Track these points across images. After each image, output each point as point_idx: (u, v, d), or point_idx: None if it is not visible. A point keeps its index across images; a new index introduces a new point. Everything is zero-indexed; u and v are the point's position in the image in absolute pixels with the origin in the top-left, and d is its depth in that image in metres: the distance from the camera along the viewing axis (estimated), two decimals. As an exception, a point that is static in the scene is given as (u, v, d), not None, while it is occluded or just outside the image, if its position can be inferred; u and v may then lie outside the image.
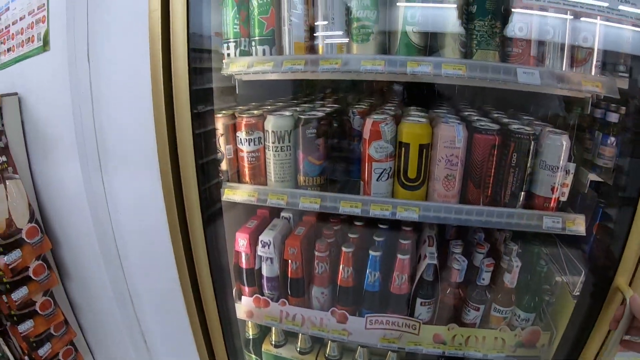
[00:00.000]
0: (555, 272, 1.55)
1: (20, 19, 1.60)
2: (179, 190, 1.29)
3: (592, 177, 1.36)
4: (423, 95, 1.64)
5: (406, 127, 1.20)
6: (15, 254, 1.49)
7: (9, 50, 1.69)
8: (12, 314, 1.55)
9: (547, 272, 1.44)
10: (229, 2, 1.34)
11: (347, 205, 1.27)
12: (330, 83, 1.90)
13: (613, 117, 1.32)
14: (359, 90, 1.84)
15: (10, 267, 1.47)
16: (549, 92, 1.20)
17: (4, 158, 1.51)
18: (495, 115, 1.41)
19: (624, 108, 1.32)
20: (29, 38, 1.56)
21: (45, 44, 1.49)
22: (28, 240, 1.53)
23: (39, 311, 1.62)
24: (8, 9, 1.67)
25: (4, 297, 1.51)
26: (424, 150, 1.20)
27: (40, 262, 1.58)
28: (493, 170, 1.22)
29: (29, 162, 1.66)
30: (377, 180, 1.24)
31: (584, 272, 1.36)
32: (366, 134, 1.22)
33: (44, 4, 1.49)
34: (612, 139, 1.32)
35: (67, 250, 1.71)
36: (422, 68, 1.15)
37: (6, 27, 1.69)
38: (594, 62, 1.19)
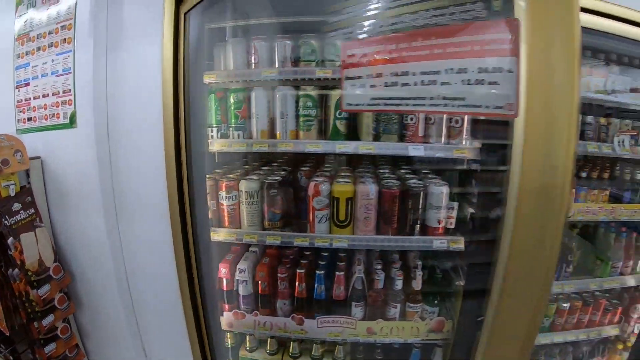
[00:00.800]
0: (455, 277, 2.14)
1: (44, 96, 2.04)
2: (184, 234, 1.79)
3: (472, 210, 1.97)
4: (351, 159, 2.23)
5: (337, 186, 1.76)
6: (46, 288, 1.89)
7: (29, 119, 2.11)
8: (40, 338, 1.92)
9: (445, 278, 2.02)
10: (213, 98, 1.87)
11: (299, 240, 1.79)
12: (286, 153, 2.45)
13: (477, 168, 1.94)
14: (306, 158, 2.38)
15: (42, 298, 1.86)
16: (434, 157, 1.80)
17: (32, 210, 1.93)
18: (403, 170, 2.00)
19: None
20: (54, 114, 2.01)
21: (72, 122, 1.94)
22: (54, 277, 1.93)
23: (60, 335, 2.00)
24: (28, 84, 2.10)
25: (35, 323, 1.89)
26: (349, 201, 1.76)
27: (62, 294, 1.98)
28: (397, 212, 1.79)
29: (49, 213, 2.08)
30: (318, 222, 1.78)
31: (463, 277, 1.94)
32: (310, 192, 1.76)
33: (70, 89, 1.95)
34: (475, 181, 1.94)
35: (81, 284, 2.11)
36: (345, 149, 1.72)
37: (26, 100, 2.11)
38: (464, 136, 1.81)
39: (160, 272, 1.90)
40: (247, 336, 2.12)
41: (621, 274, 2.21)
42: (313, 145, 1.73)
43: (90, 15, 1.88)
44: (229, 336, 2.17)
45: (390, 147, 1.74)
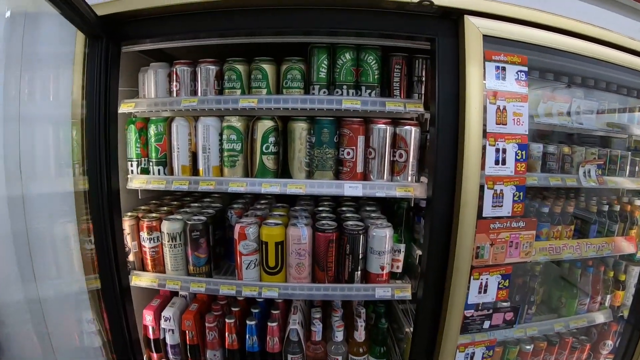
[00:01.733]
0: (404, 323, 1.92)
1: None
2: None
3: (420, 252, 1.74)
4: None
5: (265, 230, 1.53)
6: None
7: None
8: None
9: (393, 324, 1.80)
10: (132, 128, 1.64)
11: (225, 288, 1.57)
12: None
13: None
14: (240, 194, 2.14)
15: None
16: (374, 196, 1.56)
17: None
18: (345, 208, 1.77)
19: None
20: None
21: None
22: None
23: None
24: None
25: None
26: (279, 246, 1.53)
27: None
28: (333, 257, 1.56)
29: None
30: (246, 268, 1.56)
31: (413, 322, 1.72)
32: (236, 235, 1.53)
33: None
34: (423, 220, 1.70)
35: None
36: (272, 188, 1.49)
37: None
38: (410, 172, 1.58)
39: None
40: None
41: (589, 310, 1.99)
42: (236, 184, 1.50)
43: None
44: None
45: (323, 185, 1.51)
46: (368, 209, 1.77)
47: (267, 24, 1.41)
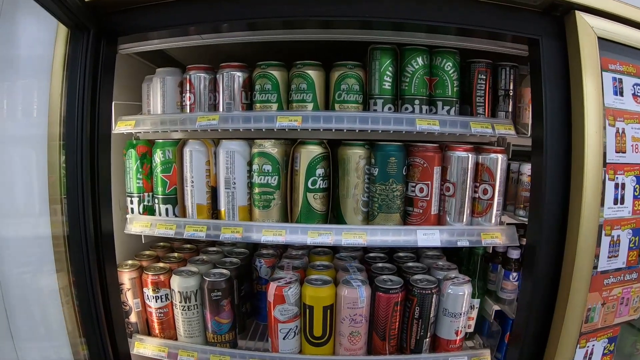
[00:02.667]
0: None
1: None
2: None
3: (497, 307, 1.35)
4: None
5: (310, 290, 1.12)
6: None
7: None
8: None
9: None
10: (133, 154, 1.22)
11: (256, 364, 1.18)
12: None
13: (514, 254, 1.31)
14: None
15: None
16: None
17: None
18: (401, 253, 1.37)
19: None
20: None
21: None
22: None
23: None
24: None
25: None
26: (328, 310, 1.13)
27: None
28: (397, 324, 1.17)
29: None
30: (283, 339, 1.16)
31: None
32: (270, 297, 1.13)
33: None
34: (514, 274, 1.31)
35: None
36: (322, 238, 1.09)
37: None
38: (494, 212, 1.18)
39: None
40: None
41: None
42: (272, 231, 1.09)
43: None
44: None
45: (389, 232, 1.11)
46: (430, 253, 1.37)
47: (312, 10, 0.99)
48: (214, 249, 1.37)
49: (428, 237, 1.11)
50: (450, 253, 1.40)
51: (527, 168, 1.24)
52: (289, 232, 1.09)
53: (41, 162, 1.17)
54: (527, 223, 1.21)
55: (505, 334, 1.47)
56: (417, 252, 1.38)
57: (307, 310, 1.13)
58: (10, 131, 1.24)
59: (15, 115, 1.25)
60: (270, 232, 1.09)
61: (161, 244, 1.42)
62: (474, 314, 1.30)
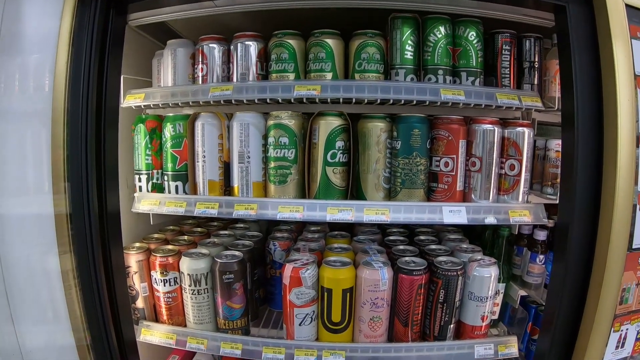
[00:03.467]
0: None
1: None
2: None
3: (523, 292, 1.25)
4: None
5: (328, 272, 1.03)
6: None
7: None
8: None
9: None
10: (141, 129, 1.14)
11: (270, 351, 1.07)
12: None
13: (541, 235, 1.22)
14: None
15: None
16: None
17: None
18: (422, 237, 1.27)
19: (551, 221, 1.24)
20: None
21: None
22: None
23: None
24: None
25: None
26: (348, 294, 1.04)
27: None
28: (421, 308, 1.07)
29: None
30: (299, 325, 1.06)
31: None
32: (286, 280, 1.03)
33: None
34: (541, 256, 1.22)
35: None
36: (342, 215, 1.00)
37: None
38: (522, 190, 1.09)
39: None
40: None
41: None
42: (289, 207, 1.00)
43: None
44: None
45: (413, 209, 1.01)
46: (452, 236, 1.27)
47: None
48: (226, 232, 1.28)
49: (454, 214, 1.02)
50: (473, 236, 1.30)
51: (554, 144, 1.16)
52: (306, 209, 1.00)
53: (45, 138, 1.09)
54: (555, 201, 1.13)
55: (528, 323, 1.37)
56: (439, 235, 1.29)
57: (325, 293, 1.03)
58: (14, 106, 1.16)
59: (21, 91, 1.17)
60: (287, 209, 1.00)
61: (170, 227, 1.33)
62: (499, 299, 1.20)
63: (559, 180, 1.16)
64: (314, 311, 1.06)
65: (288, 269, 1.03)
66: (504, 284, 1.21)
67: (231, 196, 1.07)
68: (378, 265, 1.04)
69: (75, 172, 1.01)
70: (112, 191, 1.06)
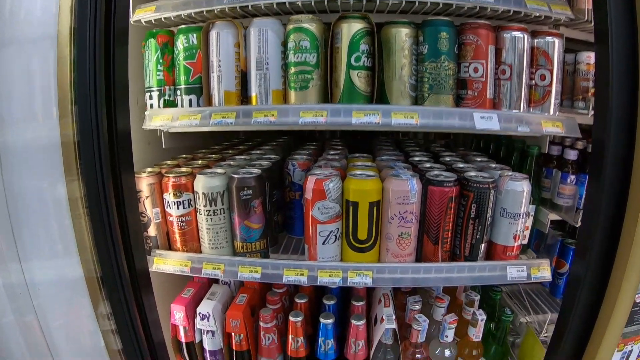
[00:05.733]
0: (517, 312, 1.31)
1: None
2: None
3: (553, 216, 1.14)
4: (367, 138, 1.37)
5: (353, 184, 0.90)
6: None
7: None
8: None
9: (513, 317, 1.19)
10: (152, 44, 1.00)
11: (292, 273, 0.94)
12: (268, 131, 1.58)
13: (572, 155, 1.10)
14: (299, 134, 1.54)
15: None
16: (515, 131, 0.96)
17: None
18: (447, 158, 1.15)
19: (580, 143, 1.13)
20: None
21: None
22: None
23: None
24: None
25: None
26: (375, 208, 0.91)
27: None
28: (451, 224, 0.95)
29: None
30: (323, 244, 0.93)
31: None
32: (308, 194, 0.90)
33: None
34: (572, 177, 1.10)
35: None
36: (369, 118, 0.87)
37: None
38: (553, 101, 0.97)
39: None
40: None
41: None
42: (311, 112, 0.87)
43: None
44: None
45: (442, 114, 0.89)
46: (479, 159, 1.15)
47: None
48: (241, 157, 1.15)
49: (486, 120, 0.89)
50: (500, 159, 1.18)
51: (585, 56, 1.04)
52: (330, 114, 0.87)
53: (50, 60, 0.96)
54: (587, 115, 1.02)
55: (553, 256, 1.25)
56: (465, 158, 1.16)
57: (351, 207, 0.91)
58: (18, 31, 1.02)
59: (27, 14, 1.03)
60: (310, 113, 0.87)
61: (183, 155, 1.20)
62: (530, 222, 1.08)
63: (590, 93, 1.05)
64: (338, 229, 0.93)
65: (311, 181, 0.90)
66: (534, 206, 1.09)
67: (249, 105, 0.94)
68: (406, 176, 0.91)
69: (82, 91, 0.87)
70: (123, 111, 0.92)
